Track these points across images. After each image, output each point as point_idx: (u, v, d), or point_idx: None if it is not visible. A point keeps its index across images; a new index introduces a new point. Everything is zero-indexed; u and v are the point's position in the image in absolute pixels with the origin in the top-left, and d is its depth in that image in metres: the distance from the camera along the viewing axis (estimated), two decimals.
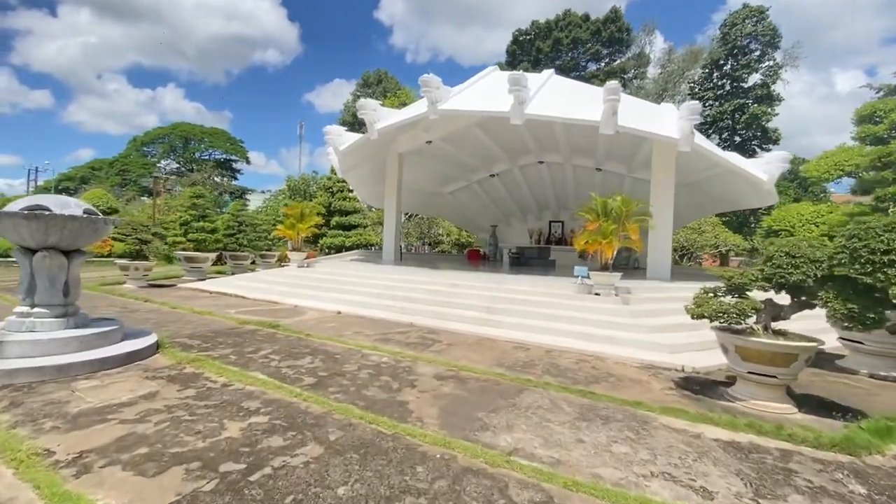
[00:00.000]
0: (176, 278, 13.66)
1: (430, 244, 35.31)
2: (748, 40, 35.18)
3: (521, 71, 12.84)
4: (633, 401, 4.34)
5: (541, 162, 17.69)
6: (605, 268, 8.57)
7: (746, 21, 34.93)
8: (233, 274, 15.58)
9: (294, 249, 12.99)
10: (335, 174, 22.09)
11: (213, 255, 14.00)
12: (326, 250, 21.59)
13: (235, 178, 52.94)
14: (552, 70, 13.79)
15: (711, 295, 4.91)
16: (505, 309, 8.23)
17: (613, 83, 9.75)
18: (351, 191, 22.27)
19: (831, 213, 12.77)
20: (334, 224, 22.51)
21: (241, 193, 52.72)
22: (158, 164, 47.75)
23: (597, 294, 8.48)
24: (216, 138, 48.96)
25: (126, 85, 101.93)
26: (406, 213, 32.43)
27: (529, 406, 4.15)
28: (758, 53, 34.82)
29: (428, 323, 7.90)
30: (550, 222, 20.54)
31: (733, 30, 35.23)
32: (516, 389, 4.60)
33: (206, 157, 48.70)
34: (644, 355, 6.22)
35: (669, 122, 11.66)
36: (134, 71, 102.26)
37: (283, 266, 14.04)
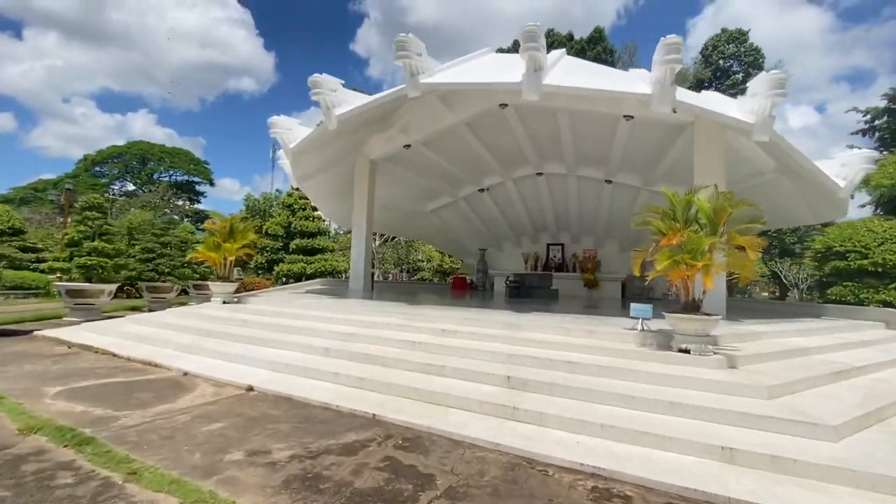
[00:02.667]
0: (52, 320, 9.59)
1: (408, 271, 31.68)
2: (730, 62, 34.01)
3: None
4: None
5: (539, 174, 14.57)
6: (692, 307, 5.16)
7: (728, 44, 33.81)
8: (149, 310, 11.58)
9: (221, 279, 9.19)
10: (298, 189, 18.47)
11: (110, 287, 10.01)
12: (283, 279, 17.73)
13: (198, 202, 48.46)
14: (563, 50, 10.84)
15: None
16: (538, 382, 4.64)
17: (673, 37, 6.61)
18: (315, 209, 18.67)
19: None
20: (294, 247, 18.68)
21: (203, 217, 48.19)
22: (111, 186, 42.94)
23: (683, 350, 5.04)
24: (178, 159, 44.60)
25: (94, 109, 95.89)
26: (381, 236, 28.86)
27: None
28: (742, 75, 33.51)
29: (404, 414, 4.22)
30: (549, 245, 17.29)
31: (714, 52, 34.03)
32: None
33: (166, 179, 44.21)
34: None
35: (726, 107, 8.66)
36: (104, 96, 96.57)
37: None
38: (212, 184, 46.53)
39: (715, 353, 5.02)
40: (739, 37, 33.56)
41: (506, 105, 11.35)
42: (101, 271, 9.77)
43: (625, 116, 10.44)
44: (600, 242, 16.42)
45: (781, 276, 18.48)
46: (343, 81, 9.37)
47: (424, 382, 4.84)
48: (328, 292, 12.47)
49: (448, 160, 14.11)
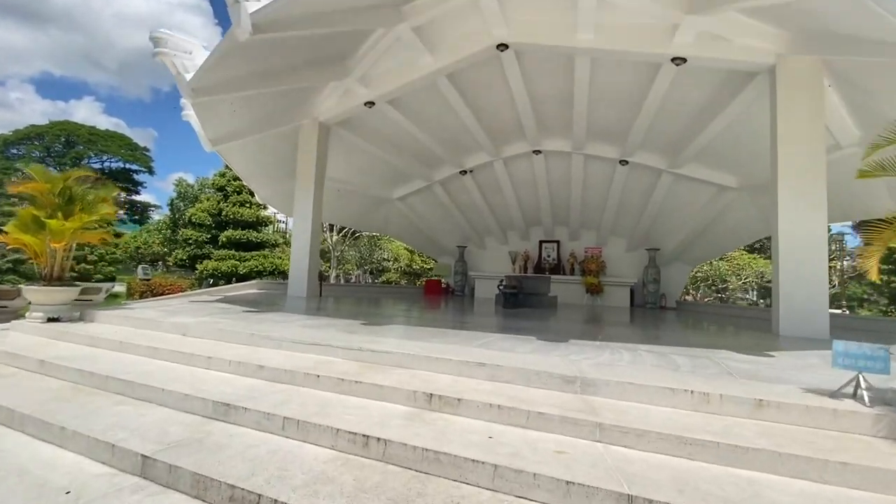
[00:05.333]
0: None
1: (372, 272, 27.87)
2: None
3: None
4: None
5: (537, 151, 11.40)
6: None
7: None
8: None
9: (46, 279, 5.37)
10: (231, 169, 14.45)
11: None
12: (209, 279, 13.69)
13: (136, 192, 42.53)
14: None
15: None
16: None
17: None
18: (253, 194, 14.71)
19: None
20: (224, 241, 14.56)
21: (143, 209, 42.40)
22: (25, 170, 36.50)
23: None
24: (110, 143, 38.52)
25: (33, 95, 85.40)
26: (340, 230, 24.91)
27: None
28: None
29: None
30: (541, 242, 14.18)
31: None
32: None
33: (97, 165, 38.20)
34: None
35: None
36: (44, 80, 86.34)
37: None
38: (151, 172, 40.84)
39: None
40: None
41: (506, 47, 8.11)
42: None
43: (674, 60, 7.42)
44: (603, 240, 13.46)
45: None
46: None
47: None
48: (253, 301, 8.73)
49: (423, 128, 10.70)
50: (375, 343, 3.99)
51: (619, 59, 7.88)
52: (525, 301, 9.80)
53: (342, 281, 40.15)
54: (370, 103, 9.56)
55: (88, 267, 10.66)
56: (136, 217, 41.60)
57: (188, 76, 6.63)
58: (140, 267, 13.39)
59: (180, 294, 11.62)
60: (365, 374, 3.31)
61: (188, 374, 3.60)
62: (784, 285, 6.36)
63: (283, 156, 10.93)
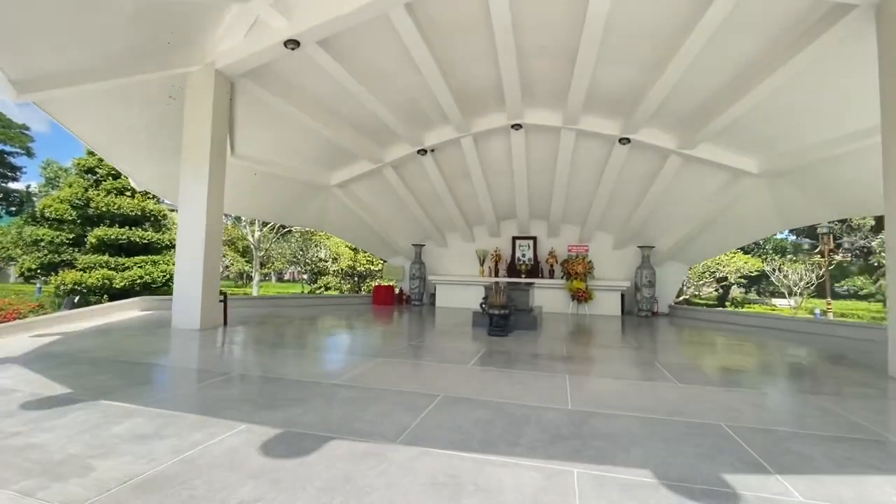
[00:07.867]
0: None
1: (307, 273, 24.15)
2: None
3: None
4: None
5: (516, 126, 8.87)
6: None
7: None
8: None
9: None
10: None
11: None
12: (73, 298, 9.67)
13: (14, 178, 34.96)
14: None
15: None
16: None
17: None
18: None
19: None
20: (94, 242, 10.43)
21: (21, 199, 34.97)
22: None
23: None
24: None
25: None
26: (263, 224, 20.89)
27: None
28: None
29: None
30: (515, 239, 11.76)
31: None
32: None
33: None
34: None
35: None
36: None
37: None
38: (30, 154, 33.59)
39: None
40: None
41: None
42: None
43: None
44: (588, 236, 11.30)
45: (772, 277, 15.26)
46: None
47: None
48: (90, 353, 5.36)
49: (369, 86, 7.71)
50: None
51: None
52: (515, 322, 7.25)
53: (273, 279, 35.65)
54: (293, 43, 6.43)
55: None
56: (14, 209, 34.24)
57: None
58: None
59: (11, 322, 7.77)
60: None
61: None
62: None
63: (165, 119, 7.47)
